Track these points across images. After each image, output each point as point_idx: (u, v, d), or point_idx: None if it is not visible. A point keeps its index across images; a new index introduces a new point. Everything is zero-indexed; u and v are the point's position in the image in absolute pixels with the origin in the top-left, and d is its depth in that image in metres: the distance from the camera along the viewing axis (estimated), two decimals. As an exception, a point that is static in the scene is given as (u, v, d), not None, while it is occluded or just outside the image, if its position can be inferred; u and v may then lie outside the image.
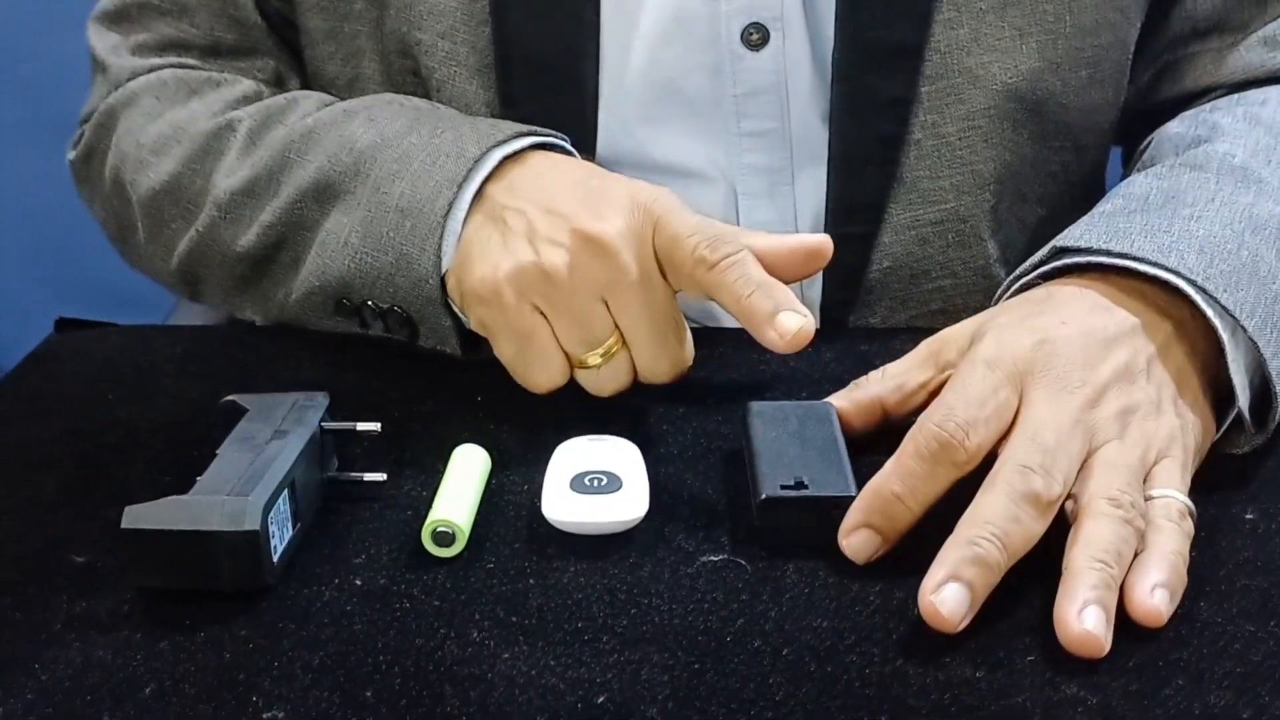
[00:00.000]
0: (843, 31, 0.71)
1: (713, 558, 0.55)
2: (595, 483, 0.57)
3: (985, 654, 0.49)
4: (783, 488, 0.56)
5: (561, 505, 0.56)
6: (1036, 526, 0.52)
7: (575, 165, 0.67)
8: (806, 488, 0.56)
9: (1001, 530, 0.51)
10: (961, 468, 0.54)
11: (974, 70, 0.71)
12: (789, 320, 0.59)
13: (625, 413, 0.65)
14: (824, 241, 0.63)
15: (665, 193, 0.63)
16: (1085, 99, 0.75)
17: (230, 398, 0.60)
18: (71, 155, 0.84)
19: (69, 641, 0.51)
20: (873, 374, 0.63)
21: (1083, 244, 0.62)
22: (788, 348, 0.59)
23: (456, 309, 0.66)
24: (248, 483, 0.53)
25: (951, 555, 0.51)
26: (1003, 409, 0.55)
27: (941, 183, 0.73)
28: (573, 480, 0.57)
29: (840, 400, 0.62)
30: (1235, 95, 0.76)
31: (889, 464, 0.54)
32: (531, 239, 0.62)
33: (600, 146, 0.75)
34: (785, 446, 0.59)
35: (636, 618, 0.52)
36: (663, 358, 0.63)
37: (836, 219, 0.73)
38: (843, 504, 0.55)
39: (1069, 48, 0.73)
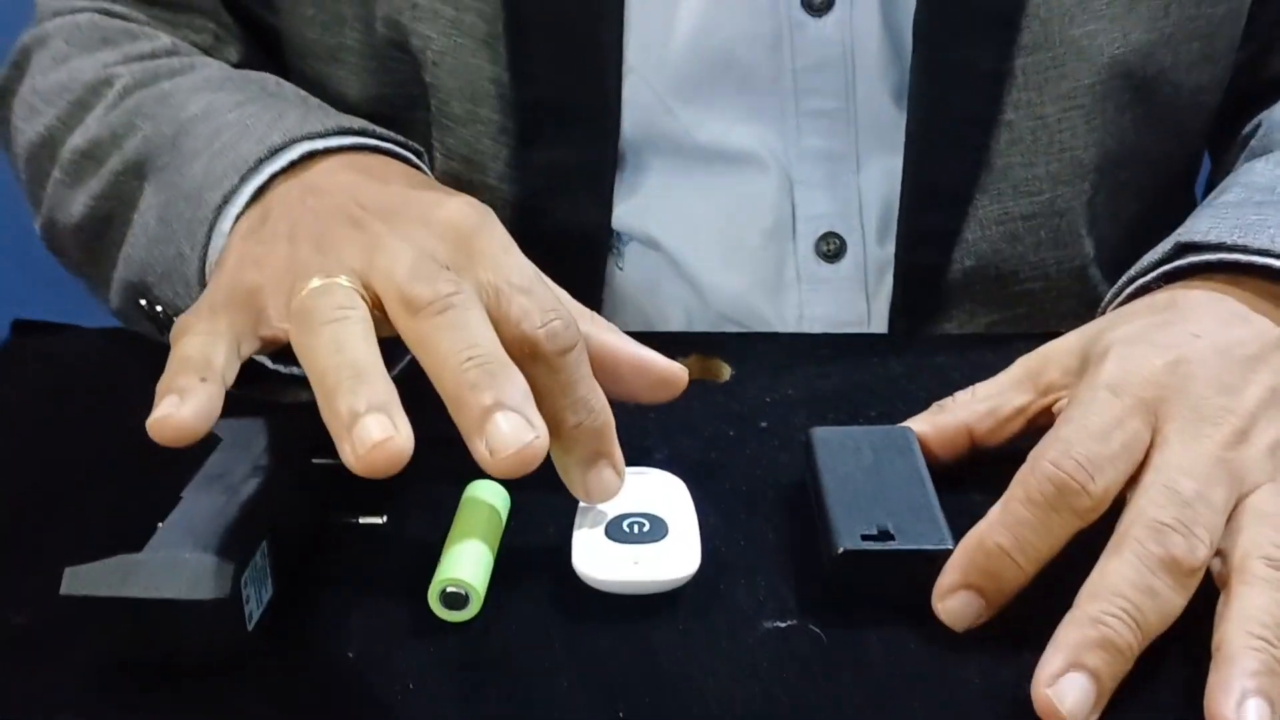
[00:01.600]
0: None
1: (779, 623, 0.46)
2: (636, 529, 0.48)
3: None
4: (864, 538, 0.46)
5: (596, 559, 0.47)
6: (1177, 600, 0.42)
7: (403, 174, 0.57)
8: (893, 538, 0.46)
9: (1133, 605, 0.42)
10: (1084, 516, 0.44)
11: (1078, 41, 0.62)
12: (504, 428, 0.43)
13: (665, 438, 0.56)
14: (681, 373, 0.52)
15: (489, 218, 0.50)
16: (1195, 77, 0.66)
17: (202, 423, 0.51)
18: None
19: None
20: (960, 395, 0.53)
21: (1211, 239, 0.52)
22: (500, 470, 0.43)
23: None
24: (217, 536, 0.44)
25: (1072, 637, 0.41)
26: (1131, 445, 0.45)
27: (1036, 170, 0.64)
28: (609, 526, 0.48)
29: (920, 425, 0.53)
30: None
31: (994, 511, 0.45)
32: (288, 234, 0.51)
33: (628, 127, 0.66)
34: (861, 485, 0.49)
35: (688, 699, 0.42)
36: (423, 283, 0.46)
37: (912, 211, 0.64)
38: (937, 558, 0.46)
39: (1182, 17, 0.64)
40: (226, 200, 0.54)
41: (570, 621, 0.46)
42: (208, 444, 0.50)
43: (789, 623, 0.46)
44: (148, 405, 0.59)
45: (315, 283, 0.47)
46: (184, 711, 0.42)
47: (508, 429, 0.42)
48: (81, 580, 0.43)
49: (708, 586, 0.47)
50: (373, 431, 0.42)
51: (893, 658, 0.44)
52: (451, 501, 0.51)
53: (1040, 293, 0.67)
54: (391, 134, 0.59)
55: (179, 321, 0.49)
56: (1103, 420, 0.46)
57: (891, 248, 0.66)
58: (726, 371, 0.62)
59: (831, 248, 0.67)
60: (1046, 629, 0.42)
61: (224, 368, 0.46)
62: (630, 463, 0.51)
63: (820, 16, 0.63)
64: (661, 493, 0.50)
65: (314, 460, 0.50)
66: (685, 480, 0.51)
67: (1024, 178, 0.64)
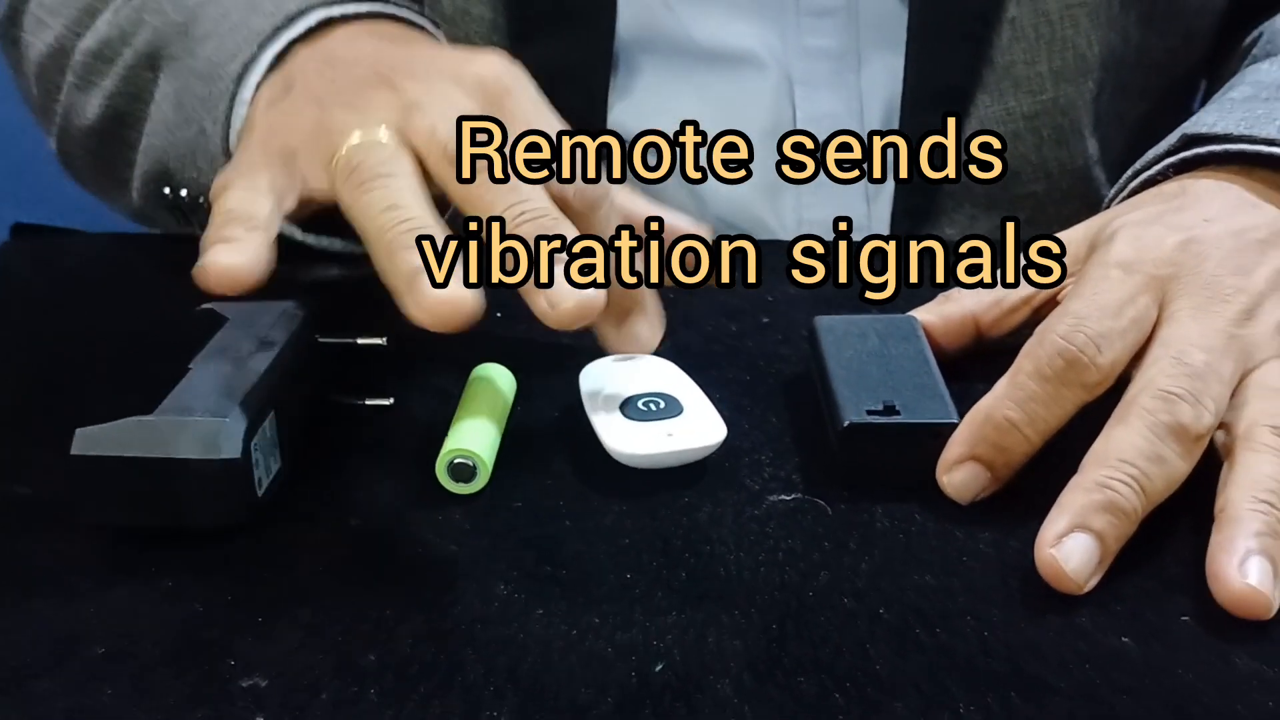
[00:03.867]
0: None
1: (784, 497, 0.46)
2: (654, 407, 0.48)
3: (1135, 620, 0.40)
4: (869, 413, 0.46)
5: (628, 437, 0.46)
6: (1181, 465, 0.43)
7: (424, 39, 0.57)
8: (898, 413, 0.46)
9: (1140, 470, 0.42)
10: (1091, 390, 0.44)
11: None
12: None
13: (667, 333, 0.55)
14: (706, 231, 0.54)
15: (520, 74, 0.51)
16: None
17: (208, 305, 0.51)
18: None
19: (1, 589, 0.42)
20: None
21: (1218, 130, 0.52)
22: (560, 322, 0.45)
23: None
24: (227, 401, 0.44)
25: (1078, 500, 0.41)
26: (1140, 321, 0.45)
27: (1039, 68, 0.63)
28: (624, 407, 0.48)
29: (926, 314, 0.52)
30: None
31: (1001, 384, 0.45)
32: (315, 97, 0.51)
33: (624, 24, 0.65)
34: (866, 366, 0.49)
35: (697, 570, 0.42)
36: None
37: (913, 110, 0.64)
38: (942, 432, 0.46)
39: None
40: (245, 70, 0.54)
41: (577, 497, 0.46)
42: (214, 323, 0.50)
43: (795, 497, 0.46)
44: (149, 302, 0.59)
45: (355, 138, 0.47)
46: (190, 572, 0.42)
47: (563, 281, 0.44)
48: (92, 441, 0.42)
49: (712, 464, 0.47)
50: (432, 295, 0.43)
51: (900, 530, 0.44)
52: (457, 386, 0.51)
53: (1042, 195, 0.66)
54: (408, 5, 0.59)
55: (219, 178, 0.48)
56: (1113, 296, 0.46)
57: (895, 146, 0.65)
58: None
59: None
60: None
61: (268, 220, 0.47)
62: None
63: None
64: (661, 375, 0.50)
65: (320, 339, 0.50)
66: (688, 371, 0.51)
67: (1026, 75, 0.64)
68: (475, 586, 0.42)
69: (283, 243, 0.49)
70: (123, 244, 0.67)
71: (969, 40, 0.63)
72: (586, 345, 0.53)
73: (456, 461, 0.46)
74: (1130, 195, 0.54)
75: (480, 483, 0.46)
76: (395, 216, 0.44)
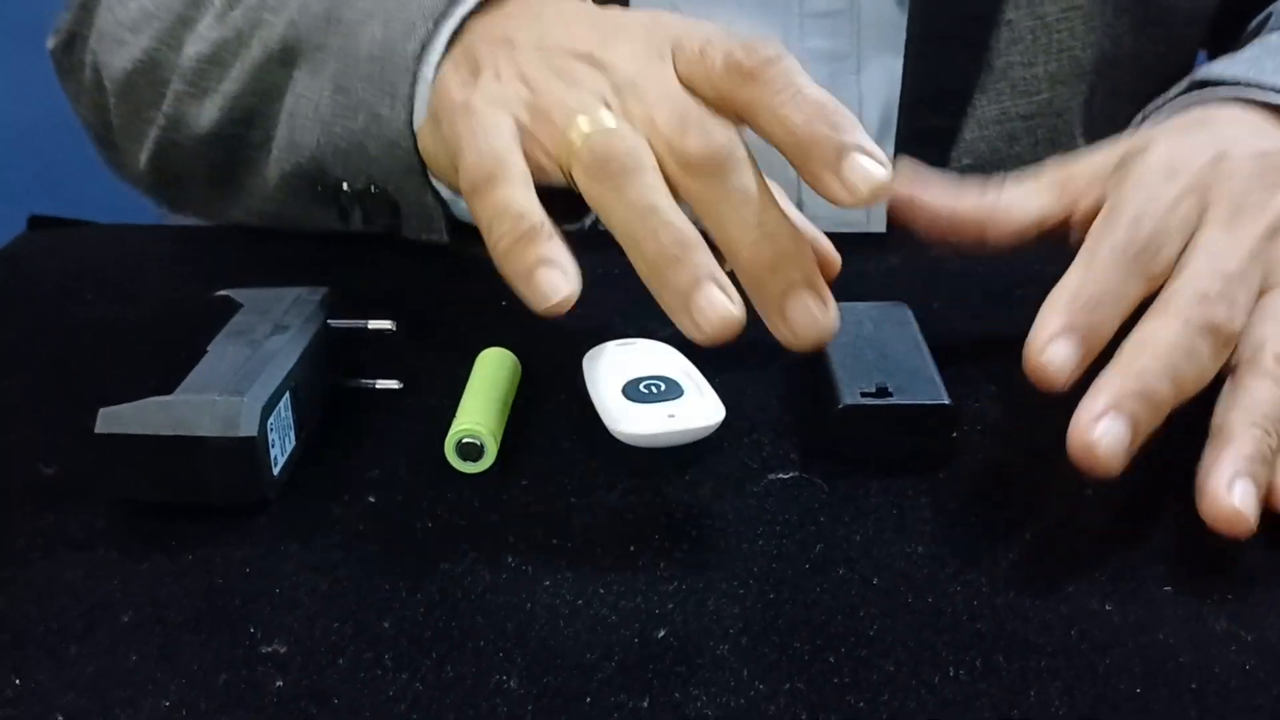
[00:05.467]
0: None
1: (782, 475, 0.48)
2: (655, 389, 0.49)
3: (1115, 584, 0.41)
4: (863, 395, 0.48)
5: (631, 418, 0.48)
6: (1211, 365, 0.44)
7: (579, 3, 0.56)
8: (891, 395, 0.48)
9: (1174, 364, 0.43)
10: (1153, 282, 0.46)
11: None
12: (860, 167, 0.42)
13: (667, 320, 0.57)
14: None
15: (686, 18, 0.50)
16: None
17: (223, 292, 0.53)
18: (52, 43, 0.75)
19: (32, 560, 0.43)
20: (986, 190, 0.53)
21: (1226, 76, 0.54)
22: (857, 204, 0.43)
23: (436, 182, 0.57)
24: (244, 381, 0.46)
25: (1115, 384, 0.42)
26: (1186, 224, 0.47)
27: (1035, 70, 0.65)
28: (626, 390, 0.50)
29: (940, 196, 0.52)
30: None
31: (1077, 267, 0.46)
32: (515, 65, 0.50)
33: None
34: (861, 351, 0.51)
35: (699, 541, 0.44)
36: (705, 139, 0.45)
37: (912, 111, 0.66)
38: (934, 413, 0.47)
39: None
40: (424, 48, 0.53)
41: (582, 475, 0.48)
42: (229, 309, 0.52)
43: (792, 474, 0.48)
44: (166, 288, 0.61)
45: (584, 124, 0.46)
46: (212, 545, 0.44)
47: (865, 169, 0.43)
48: (116, 420, 0.44)
49: (713, 444, 0.49)
50: (715, 305, 0.43)
51: (893, 505, 0.46)
52: (465, 369, 0.52)
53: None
54: None
55: (473, 174, 0.47)
56: (1166, 198, 0.47)
57: (891, 148, 0.67)
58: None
59: None
60: (1037, 495, 0.44)
61: (545, 216, 0.45)
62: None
63: None
64: (662, 359, 0.52)
65: (330, 322, 0.51)
66: (689, 357, 0.53)
67: (1023, 77, 0.65)
68: (485, 558, 0.43)
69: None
70: (138, 234, 0.69)
71: (967, 43, 0.65)
72: (589, 329, 0.54)
73: (464, 441, 0.47)
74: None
75: (487, 462, 0.48)
76: (656, 223, 0.44)
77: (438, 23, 0.54)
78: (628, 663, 0.39)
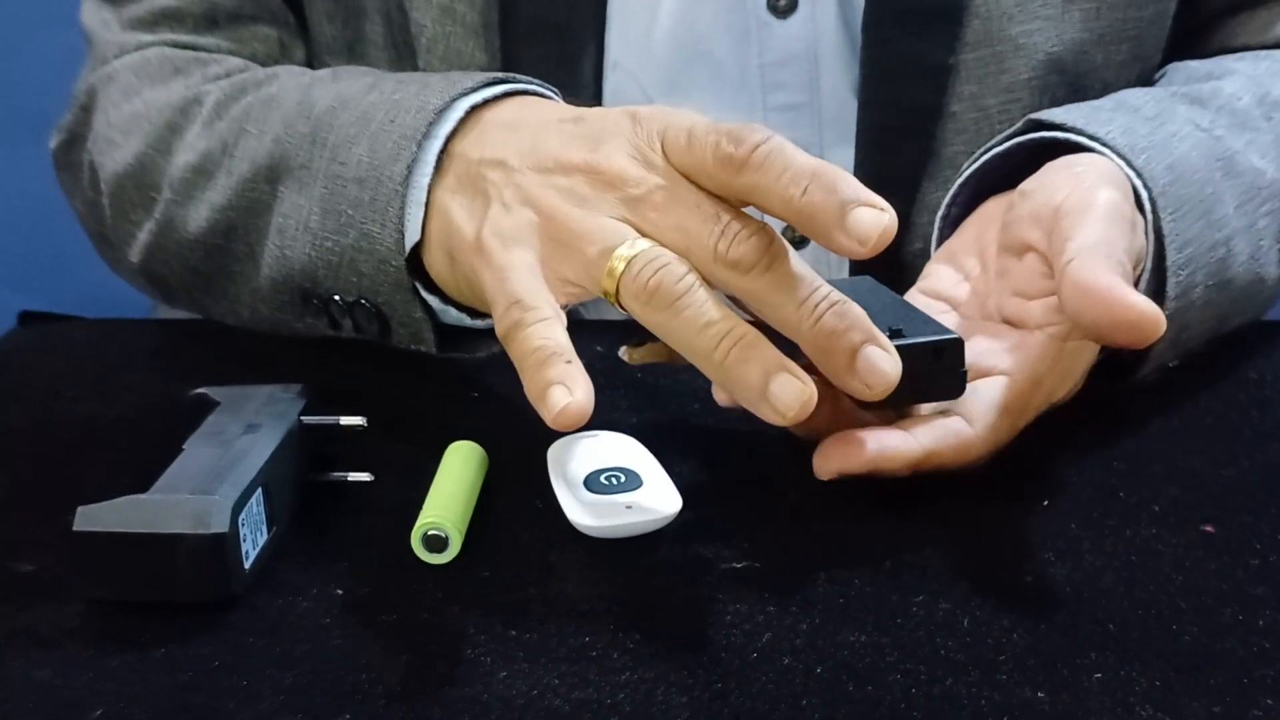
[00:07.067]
0: None
1: (735, 565, 0.49)
2: (614, 481, 0.51)
3: (1046, 672, 0.43)
4: None
5: (590, 510, 0.50)
6: None
7: (554, 105, 0.58)
8: (904, 336, 0.50)
9: None
10: None
11: (1017, 39, 0.67)
12: (864, 219, 0.46)
13: (630, 409, 0.59)
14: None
15: (663, 106, 0.53)
16: (1124, 75, 0.71)
17: (199, 390, 0.55)
18: (54, 142, 0.77)
19: (5, 660, 0.45)
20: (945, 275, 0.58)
21: (1057, 120, 0.58)
22: (871, 252, 0.46)
23: (427, 295, 0.59)
24: (216, 480, 0.48)
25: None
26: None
27: None
28: (588, 481, 0.52)
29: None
30: (1267, 51, 0.71)
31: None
32: (519, 191, 0.52)
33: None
34: None
35: (650, 632, 0.46)
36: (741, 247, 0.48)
37: None
38: (949, 348, 0.50)
39: (1113, 20, 0.69)
40: (410, 170, 0.56)
41: (542, 566, 0.50)
42: (206, 407, 0.54)
43: (744, 564, 0.49)
44: (147, 385, 0.63)
45: (620, 259, 0.49)
46: (181, 641, 0.46)
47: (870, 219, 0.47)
48: (92, 518, 0.46)
49: (669, 535, 0.51)
50: (791, 391, 0.46)
51: (839, 594, 0.47)
52: (433, 462, 0.54)
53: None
54: (526, 77, 0.60)
55: (505, 324, 0.49)
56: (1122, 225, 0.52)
57: None
58: None
59: (791, 234, 0.70)
60: (965, 576, 0.46)
61: (570, 344, 0.48)
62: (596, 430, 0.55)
63: (785, 18, 0.67)
64: (622, 451, 0.54)
65: (303, 419, 0.53)
66: (650, 447, 0.54)
67: None
68: (444, 651, 0.45)
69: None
70: (124, 330, 0.71)
71: (915, 134, 0.67)
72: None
73: (429, 533, 0.49)
74: (980, 166, 0.59)
75: (452, 553, 0.49)
76: (716, 333, 0.47)
77: (420, 144, 0.56)
78: (577, 753, 0.40)
